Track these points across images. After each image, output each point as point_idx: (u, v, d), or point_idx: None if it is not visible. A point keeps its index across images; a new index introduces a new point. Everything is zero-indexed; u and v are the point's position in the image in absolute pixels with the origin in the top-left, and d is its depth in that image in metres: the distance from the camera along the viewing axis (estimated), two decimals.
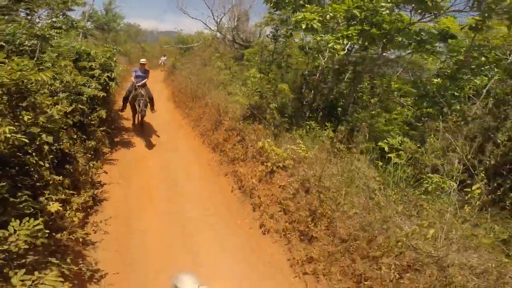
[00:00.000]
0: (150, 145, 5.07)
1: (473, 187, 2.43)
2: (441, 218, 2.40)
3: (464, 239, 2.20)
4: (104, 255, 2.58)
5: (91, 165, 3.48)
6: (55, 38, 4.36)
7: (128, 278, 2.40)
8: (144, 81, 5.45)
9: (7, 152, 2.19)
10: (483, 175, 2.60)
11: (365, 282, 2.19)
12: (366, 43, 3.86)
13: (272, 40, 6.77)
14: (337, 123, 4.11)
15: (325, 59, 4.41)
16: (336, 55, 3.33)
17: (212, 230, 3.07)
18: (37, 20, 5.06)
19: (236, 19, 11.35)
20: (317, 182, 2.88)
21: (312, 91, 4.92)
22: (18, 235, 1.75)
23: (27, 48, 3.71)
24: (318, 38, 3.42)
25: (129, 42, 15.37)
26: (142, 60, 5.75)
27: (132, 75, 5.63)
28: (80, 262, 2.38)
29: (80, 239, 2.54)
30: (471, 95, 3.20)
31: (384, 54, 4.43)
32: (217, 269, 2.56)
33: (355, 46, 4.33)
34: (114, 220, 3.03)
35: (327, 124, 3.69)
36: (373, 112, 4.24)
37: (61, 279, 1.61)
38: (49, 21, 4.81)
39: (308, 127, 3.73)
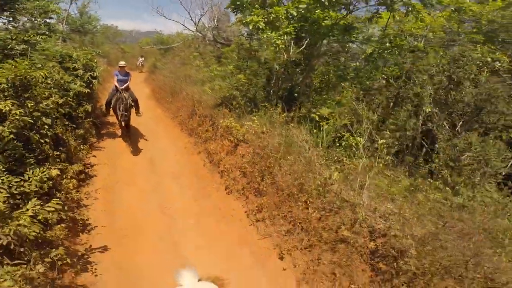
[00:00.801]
0: (133, 136, 5.81)
1: (379, 142, 3.40)
2: (355, 169, 3.33)
3: (374, 186, 3.04)
4: (94, 214, 3.35)
5: (81, 147, 4.26)
6: (40, 43, 5.08)
7: (112, 228, 3.19)
8: (126, 84, 5.54)
9: (16, 131, 2.94)
10: (389, 133, 3.60)
11: (299, 224, 3.02)
12: (311, 37, 4.82)
13: (247, 38, 7.63)
14: (296, 105, 5.06)
15: (283, 54, 5.35)
16: (277, 48, 4.25)
17: (185, 195, 3.90)
18: (20, 27, 5.72)
19: (215, 19, 12.13)
20: (266, 149, 3.80)
21: (279, 81, 5.84)
22: (31, 180, 2.54)
23: (18, 52, 4.43)
24: (265, 36, 4.35)
25: (107, 44, 15.83)
26: (121, 63, 5.81)
27: (114, 79, 5.66)
28: (76, 215, 3.17)
29: (75, 198, 3.32)
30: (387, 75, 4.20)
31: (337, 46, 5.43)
32: (189, 224, 3.36)
33: (306, 41, 5.29)
34: (102, 190, 3.82)
35: (278, 105, 4.63)
36: (324, 94, 5.23)
37: (60, 206, 2.42)
38: (34, 28, 5.47)
39: (265, 108, 4.65)
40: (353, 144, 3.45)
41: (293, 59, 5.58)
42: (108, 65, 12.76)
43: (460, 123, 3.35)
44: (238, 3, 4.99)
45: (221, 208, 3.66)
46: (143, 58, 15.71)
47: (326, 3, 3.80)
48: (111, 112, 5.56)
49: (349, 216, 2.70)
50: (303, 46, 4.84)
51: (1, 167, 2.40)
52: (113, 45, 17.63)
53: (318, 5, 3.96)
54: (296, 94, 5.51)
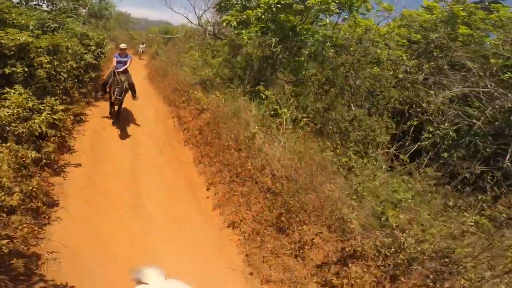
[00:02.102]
0: (123, 105, 7.49)
1: (299, 116, 5.11)
2: (278, 131, 5.00)
3: (289, 146, 4.60)
4: (79, 144, 4.63)
5: (82, 100, 6.15)
6: (68, 23, 7.07)
7: (90, 156, 4.63)
8: (125, 66, 5.90)
9: (45, 75, 4.76)
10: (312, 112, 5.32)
11: (227, 166, 4.46)
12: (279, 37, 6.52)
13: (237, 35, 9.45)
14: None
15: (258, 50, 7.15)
16: (245, 43, 6.04)
17: (154, 145, 5.57)
18: (55, 9, 7.78)
19: (218, 16, 14.11)
20: (220, 114, 5.55)
21: (252, 71, 7.64)
22: (47, 103, 4.27)
23: (51, 28, 6.39)
24: (236, 32, 6.16)
25: (118, 29, 18.04)
26: (122, 45, 6.25)
27: (113, 61, 6.03)
28: (66, 139, 4.85)
29: (69, 128, 4.87)
30: None
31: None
32: (154, 163, 4.90)
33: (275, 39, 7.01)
34: (90, 131, 5.34)
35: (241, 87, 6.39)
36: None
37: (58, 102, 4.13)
38: (65, 11, 7.48)
39: (230, 88, 6.41)
40: (281, 115, 5.16)
41: (266, 54, 7.40)
42: (116, 49, 14.88)
43: (356, 103, 4.98)
44: (223, 4, 6.91)
45: (177, 155, 5.32)
46: (144, 45, 16.75)
47: (275, 10, 5.55)
48: (107, 94, 5.87)
49: (261, 162, 4.18)
50: (273, 44, 6.61)
51: (31, 93, 4.05)
52: (123, 31, 19.78)
53: (275, 10, 5.68)
54: (262, 82, 7.33)
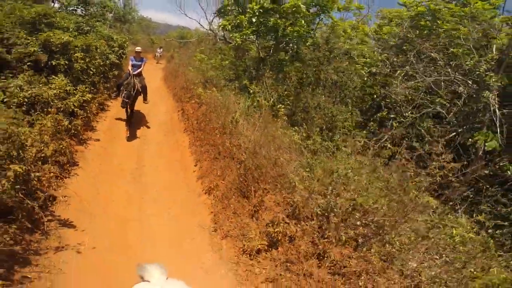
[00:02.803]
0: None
1: (277, 106, 6.08)
2: (258, 119, 5.96)
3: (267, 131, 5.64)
4: (100, 125, 6.17)
5: (106, 92, 7.45)
6: (97, 27, 8.55)
7: (107, 134, 6.06)
8: (139, 70, 6.20)
9: (80, 68, 6.05)
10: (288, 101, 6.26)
11: (213, 146, 5.60)
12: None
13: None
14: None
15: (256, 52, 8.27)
16: (238, 44, 7.13)
17: (159, 132, 6.75)
18: (88, 14, 9.36)
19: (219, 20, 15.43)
20: (214, 106, 6.61)
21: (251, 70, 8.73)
22: (79, 89, 5.55)
23: (84, 30, 7.85)
24: (231, 35, 7.26)
25: (140, 33, 19.98)
26: (138, 49, 6.58)
27: (128, 64, 6.31)
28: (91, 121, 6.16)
29: (94, 112, 6.21)
30: None
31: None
32: (158, 145, 6.09)
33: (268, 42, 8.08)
34: (109, 118, 6.74)
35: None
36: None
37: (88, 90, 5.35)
38: (95, 16, 9.05)
39: (228, 86, 7.50)
40: (263, 105, 6.14)
41: (262, 56, 8.50)
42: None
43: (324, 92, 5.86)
44: (223, 10, 8.12)
45: (177, 140, 6.45)
46: (161, 49, 17.82)
47: (258, 14, 6.62)
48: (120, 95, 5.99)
49: (238, 141, 5.34)
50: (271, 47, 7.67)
51: (69, 81, 5.31)
52: (145, 35, 21.79)
53: (258, 14, 6.75)
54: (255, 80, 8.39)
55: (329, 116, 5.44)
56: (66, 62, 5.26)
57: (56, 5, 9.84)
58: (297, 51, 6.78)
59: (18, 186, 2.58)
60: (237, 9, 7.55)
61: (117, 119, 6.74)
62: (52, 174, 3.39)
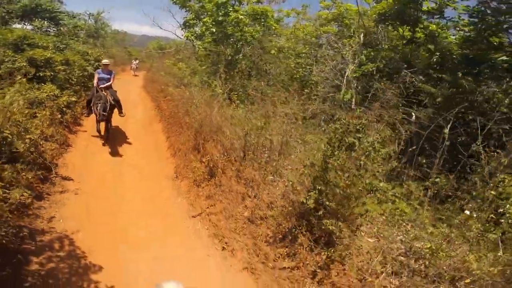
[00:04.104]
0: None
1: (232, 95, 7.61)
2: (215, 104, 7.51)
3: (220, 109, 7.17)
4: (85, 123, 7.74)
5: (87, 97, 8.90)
6: (71, 44, 10.03)
7: (92, 131, 7.56)
8: (108, 83, 6.16)
9: (63, 77, 7.51)
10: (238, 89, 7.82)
11: (182, 126, 7.12)
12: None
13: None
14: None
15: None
16: (200, 51, 8.71)
17: (139, 124, 8.22)
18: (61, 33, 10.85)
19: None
20: (183, 100, 8.09)
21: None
22: (65, 93, 7.05)
23: (61, 47, 9.31)
24: (194, 44, 8.82)
25: (115, 47, 21.45)
26: (105, 61, 6.58)
27: (94, 77, 6.22)
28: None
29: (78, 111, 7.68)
30: None
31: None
32: (137, 132, 7.61)
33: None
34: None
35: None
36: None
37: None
38: (69, 35, 10.55)
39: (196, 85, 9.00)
40: (216, 89, 7.64)
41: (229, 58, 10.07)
42: (114, 65, 18.12)
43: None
44: (187, 24, 9.70)
45: (153, 128, 7.93)
46: (137, 61, 18.49)
47: (211, 27, 8.26)
48: (93, 112, 5.82)
49: (195, 118, 6.75)
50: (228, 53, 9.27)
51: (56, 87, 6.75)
52: (121, 48, 23.23)
53: (211, 27, 8.39)
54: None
55: (260, 93, 6.93)
56: (51, 73, 6.71)
57: (29, 27, 11.34)
58: (242, 52, 8.45)
59: (33, 149, 4.00)
60: (198, 22, 9.16)
61: (93, 136, 6.57)
62: (53, 148, 4.82)
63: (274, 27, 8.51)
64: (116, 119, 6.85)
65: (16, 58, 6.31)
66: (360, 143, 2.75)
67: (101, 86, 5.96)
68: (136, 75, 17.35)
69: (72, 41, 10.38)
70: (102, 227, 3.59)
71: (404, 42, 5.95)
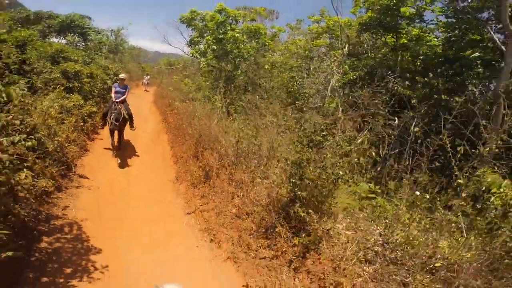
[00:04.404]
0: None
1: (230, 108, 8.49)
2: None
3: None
4: (102, 137, 8.67)
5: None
6: (96, 59, 11.32)
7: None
8: (123, 97, 6.52)
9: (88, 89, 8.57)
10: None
11: (182, 136, 7.97)
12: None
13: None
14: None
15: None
16: (206, 67, 9.78)
17: (148, 135, 9.10)
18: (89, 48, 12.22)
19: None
20: (187, 113, 8.98)
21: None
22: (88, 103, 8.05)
23: (88, 61, 10.54)
24: (199, 60, 9.93)
25: (131, 62, 23.17)
26: (121, 76, 7.00)
27: (112, 91, 6.62)
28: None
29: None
30: None
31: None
32: (146, 143, 8.47)
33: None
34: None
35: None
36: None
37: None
38: (95, 50, 11.91)
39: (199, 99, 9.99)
40: (216, 103, 8.52)
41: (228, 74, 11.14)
42: (129, 79, 19.63)
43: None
44: (192, 42, 10.91)
45: (160, 138, 8.80)
46: (148, 77, 19.46)
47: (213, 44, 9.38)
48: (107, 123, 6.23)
49: (202, 132, 7.61)
50: (228, 69, 10.34)
51: (81, 97, 7.81)
52: (136, 64, 25.01)
53: (213, 45, 9.50)
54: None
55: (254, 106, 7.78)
56: (79, 85, 7.75)
57: (63, 41, 12.78)
58: (239, 68, 9.52)
59: (59, 149, 4.83)
60: (201, 40, 10.39)
61: (106, 148, 7.04)
62: (75, 150, 5.66)
63: (267, 43, 9.59)
64: (128, 133, 7.74)
65: (53, 70, 7.37)
66: (326, 141, 3.41)
67: (116, 100, 6.40)
68: (147, 91, 18.22)
69: (96, 55, 11.70)
70: (107, 216, 4.31)
71: (387, 49, 6.63)
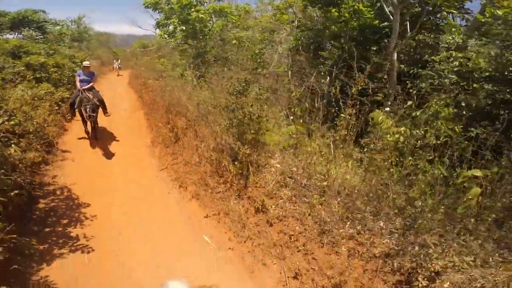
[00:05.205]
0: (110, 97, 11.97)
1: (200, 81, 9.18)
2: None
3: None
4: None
5: None
6: (59, 49, 11.59)
7: None
8: (90, 84, 6.48)
9: (54, 77, 9.11)
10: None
11: (156, 106, 8.74)
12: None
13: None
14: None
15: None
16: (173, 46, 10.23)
17: (126, 112, 9.76)
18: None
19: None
20: (159, 88, 9.63)
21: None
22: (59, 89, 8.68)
23: (50, 52, 10.87)
24: (169, 41, 10.34)
25: (100, 48, 22.90)
26: (85, 63, 6.88)
27: (76, 79, 6.52)
28: None
29: None
30: None
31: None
32: (124, 119, 9.20)
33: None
34: None
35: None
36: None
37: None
38: (56, 41, 12.11)
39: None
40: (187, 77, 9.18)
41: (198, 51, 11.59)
42: (101, 65, 19.66)
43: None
44: (160, 24, 11.18)
45: (137, 114, 9.50)
46: (119, 61, 19.25)
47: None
48: (77, 114, 6.33)
49: (171, 101, 8.41)
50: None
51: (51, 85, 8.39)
52: (106, 49, 24.66)
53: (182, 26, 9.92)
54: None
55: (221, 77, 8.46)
56: (46, 75, 8.28)
57: (19, 36, 12.89)
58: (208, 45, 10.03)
59: (39, 130, 5.61)
60: (168, 22, 10.71)
61: (80, 138, 7.04)
62: (54, 130, 6.44)
63: (234, 21, 10.03)
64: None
65: (15, 64, 7.85)
66: (248, 91, 4.26)
67: (83, 87, 6.31)
68: (119, 75, 18.40)
69: (59, 46, 11.92)
70: (92, 179, 5.22)
71: (329, 22, 7.34)
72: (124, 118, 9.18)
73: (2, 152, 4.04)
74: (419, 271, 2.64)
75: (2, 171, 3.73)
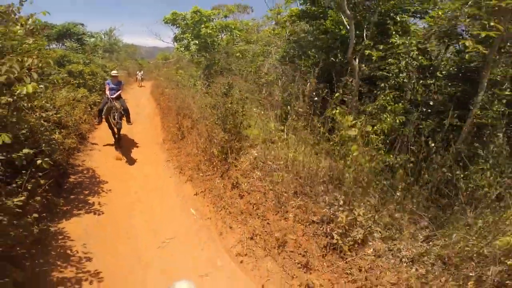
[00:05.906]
0: (134, 105, 13.86)
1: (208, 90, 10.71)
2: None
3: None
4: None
5: None
6: (93, 59, 13.79)
7: None
8: (118, 93, 6.98)
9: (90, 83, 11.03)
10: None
11: (172, 111, 10.40)
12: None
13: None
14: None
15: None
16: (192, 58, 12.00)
17: (145, 117, 11.48)
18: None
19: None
20: (175, 95, 11.27)
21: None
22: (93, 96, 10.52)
23: (86, 62, 13.03)
24: (184, 54, 12.11)
25: (128, 60, 25.63)
26: (113, 72, 7.41)
27: (106, 88, 7.10)
28: None
29: None
30: None
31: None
32: (144, 122, 10.90)
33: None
34: None
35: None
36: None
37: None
38: (91, 52, 14.40)
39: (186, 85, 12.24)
40: (197, 87, 10.74)
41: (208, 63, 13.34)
42: (128, 76, 22.15)
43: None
44: (177, 38, 13.09)
45: (154, 119, 11.14)
46: (141, 72, 20.82)
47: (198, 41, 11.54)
48: (103, 120, 7.00)
49: (180, 106, 9.98)
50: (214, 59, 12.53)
51: (87, 90, 10.31)
52: (133, 60, 27.44)
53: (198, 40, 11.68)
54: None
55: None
56: (83, 81, 10.18)
57: (63, 46, 15.37)
58: (216, 57, 11.70)
59: (76, 125, 7.24)
60: (184, 36, 12.60)
61: (105, 145, 7.93)
62: (87, 127, 8.11)
63: (239, 35, 11.70)
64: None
65: (60, 71, 9.81)
66: (230, 93, 5.60)
67: (112, 96, 6.95)
68: (142, 86, 19.83)
69: (94, 56, 14.17)
70: (112, 164, 6.69)
71: (317, 34, 8.57)
72: (143, 122, 10.85)
73: (51, 135, 5.60)
74: (345, 239, 3.69)
75: (48, 149, 5.27)
